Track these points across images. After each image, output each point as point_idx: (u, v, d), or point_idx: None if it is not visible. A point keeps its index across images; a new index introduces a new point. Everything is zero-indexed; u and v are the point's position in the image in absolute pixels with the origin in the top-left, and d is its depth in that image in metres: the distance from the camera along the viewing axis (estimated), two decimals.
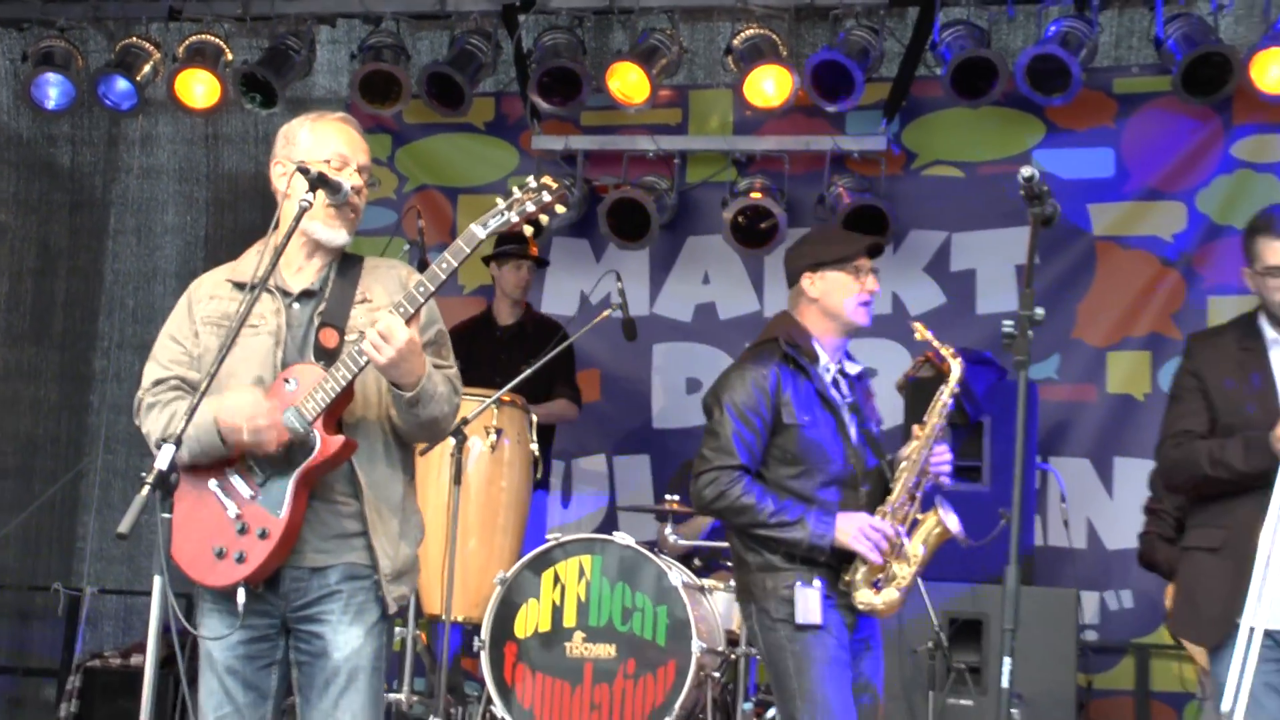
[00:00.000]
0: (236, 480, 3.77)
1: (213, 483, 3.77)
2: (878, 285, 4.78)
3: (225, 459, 3.76)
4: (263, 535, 3.71)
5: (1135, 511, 6.84)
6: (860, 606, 4.58)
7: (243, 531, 3.72)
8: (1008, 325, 3.83)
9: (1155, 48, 7.40)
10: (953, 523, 4.66)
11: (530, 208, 3.73)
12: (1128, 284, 7.83)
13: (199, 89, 7.93)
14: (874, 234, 7.38)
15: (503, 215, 3.72)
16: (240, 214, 8.75)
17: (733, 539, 4.75)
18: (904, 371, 7.11)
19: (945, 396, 4.71)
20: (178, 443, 3.47)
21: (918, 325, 4.80)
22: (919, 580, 5.38)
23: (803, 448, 4.61)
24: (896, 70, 7.75)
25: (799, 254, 4.85)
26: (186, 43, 7.97)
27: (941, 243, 8.08)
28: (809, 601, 4.50)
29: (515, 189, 3.75)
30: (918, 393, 6.55)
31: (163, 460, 3.42)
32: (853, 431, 4.70)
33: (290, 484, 3.73)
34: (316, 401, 3.71)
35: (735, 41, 7.66)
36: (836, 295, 4.71)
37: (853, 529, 4.53)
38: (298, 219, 3.78)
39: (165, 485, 3.41)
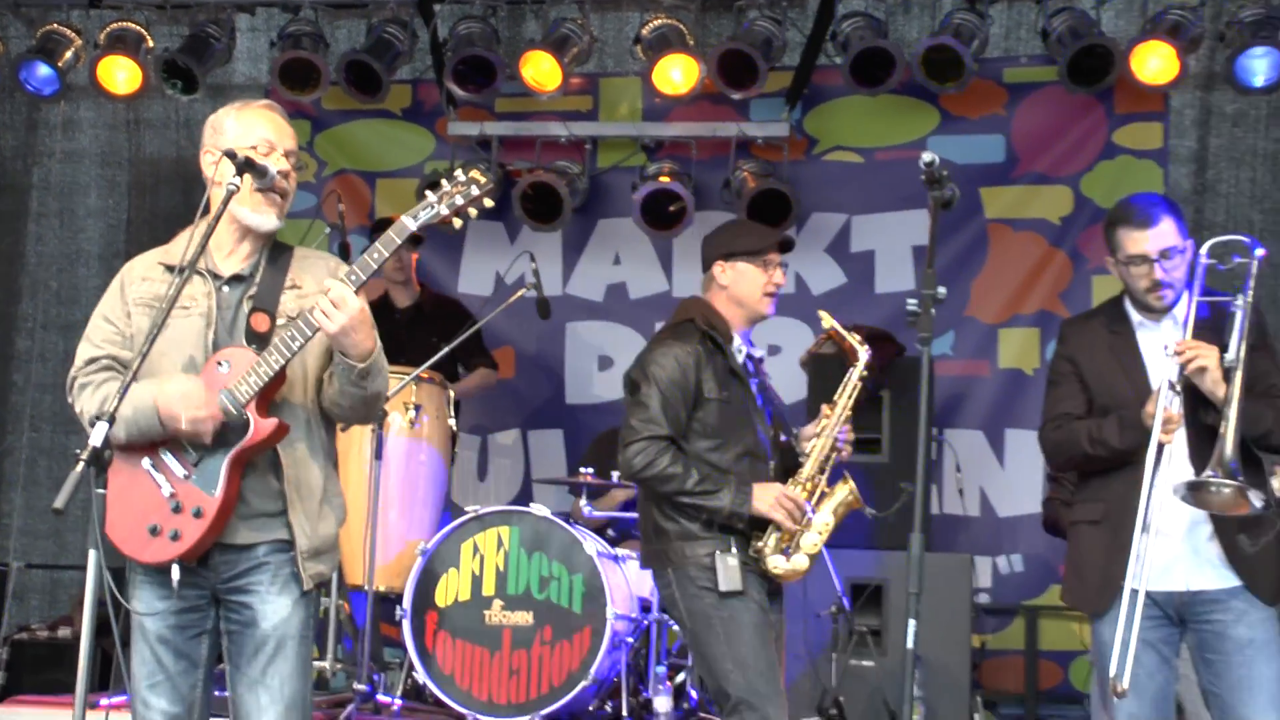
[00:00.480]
0: (170, 459, 3.80)
1: (146, 461, 3.80)
2: (784, 279, 4.99)
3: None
4: (197, 514, 3.75)
5: (1026, 480, 7.13)
6: (773, 571, 4.76)
7: (177, 510, 3.76)
8: (912, 304, 3.92)
9: (1042, 39, 7.62)
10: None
11: (459, 201, 3.83)
12: (1018, 264, 8.04)
13: (121, 75, 7.92)
14: (777, 216, 7.57)
15: (433, 208, 3.82)
16: (161, 198, 8.75)
17: (649, 508, 4.86)
18: (807, 348, 7.27)
19: (855, 379, 4.91)
20: (111, 420, 3.51)
21: (824, 314, 4.98)
22: (824, 548, 5.66)
23: (721, 422, 4.79)
24: (798, 59, 7.88)
25: (715, 242, 5.04)
26: (108, 29, 7.95)
27: (842, 225, 8.24)
28: (730, 569, 4.68)
29: (445, 183, 3.84)
30: (820, 368, 6.78)
31: (96, 437, 3.46)
32: (761, 408, 4.92)
33: (224, 464, 3.77)
34: (250, 385, 3.75)
35: (644, 31, 7.77)
36: (744, 285, 4.91)
37: (770, 498, 4.72)
38: (225, 202, 3.80)
39: (99, 462, 3.45)
